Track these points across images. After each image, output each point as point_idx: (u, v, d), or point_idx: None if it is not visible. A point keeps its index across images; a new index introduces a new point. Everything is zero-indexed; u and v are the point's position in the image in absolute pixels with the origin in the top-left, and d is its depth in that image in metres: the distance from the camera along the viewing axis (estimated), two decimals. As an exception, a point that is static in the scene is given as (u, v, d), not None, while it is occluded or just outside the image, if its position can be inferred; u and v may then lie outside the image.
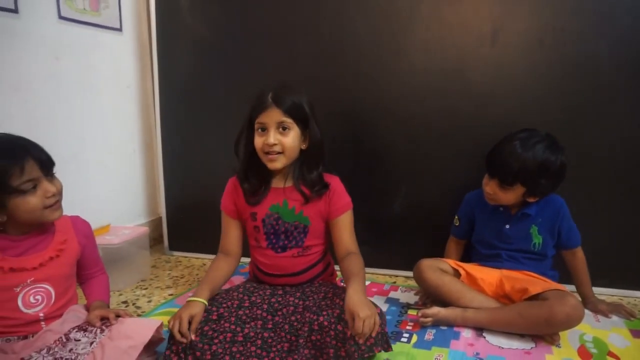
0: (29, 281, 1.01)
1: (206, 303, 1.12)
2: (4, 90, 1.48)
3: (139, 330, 0.99)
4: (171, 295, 1.60)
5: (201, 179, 1.96)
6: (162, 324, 1.07)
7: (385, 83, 1.69)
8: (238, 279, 1.63)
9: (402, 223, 1.73)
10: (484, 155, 1.42)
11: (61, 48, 1.67)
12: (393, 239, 1.74)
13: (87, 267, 1.17)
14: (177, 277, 1.78)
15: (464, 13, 1.58)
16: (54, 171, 1.04)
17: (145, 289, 1.66)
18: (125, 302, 1.54)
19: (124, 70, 1.98)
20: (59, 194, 1.02)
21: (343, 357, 1.05)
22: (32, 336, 1.01)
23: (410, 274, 1.70)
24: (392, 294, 1.57)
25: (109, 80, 1.90)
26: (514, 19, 1.54)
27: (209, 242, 1.98)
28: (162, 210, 2.04)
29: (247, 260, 1.61)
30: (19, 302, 1.00)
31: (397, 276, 1.75)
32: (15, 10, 1.49)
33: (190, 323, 1.06)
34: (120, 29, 1.92)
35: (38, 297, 1.03)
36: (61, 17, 1.64)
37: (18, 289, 1.00)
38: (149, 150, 2.13)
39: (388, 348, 1.11)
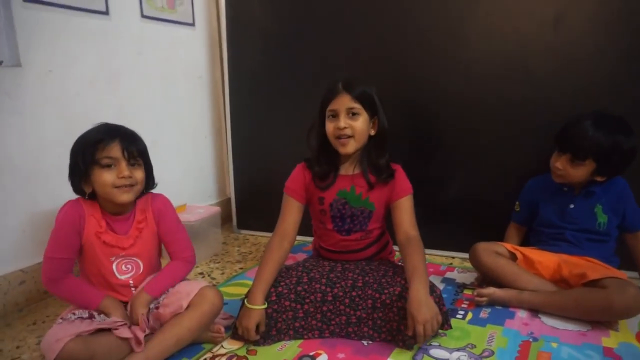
0: (121, 254, 1.18)
1: (264, 306, 1.17)
2: (99, 83, 1.67)
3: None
4: (241, 268, 1.75)
5: (267, 163, 2.09)
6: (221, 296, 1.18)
7: (445, 69, 1.72)
8: (302, 257, 1.76)
9: (459, 207, 1.77)
10: (544, 141, 1.45)
11: (143, 44, 1.84)
12: (450, 222, 1.78)
13: (168, 244, 1.24)
14: (245, 253, 1.94)
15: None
16: (140, 162, 1.17)
17: (218, 262, 1.83)
18: (201, 273, 1.72)
19: (196, 62, 2.14)
20: (131, 179, 1.13)
21: (404, 332, 1.13)
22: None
23: (466, 256, 1.75)
24: (449, 274, 1.63)
25: (183, 71, 2.07)
26: (577, 3, 1.51)
27: (274, 222, 2.12)
28: (231, 192, 2.20)
29: (309, 239, 1.72)
30: (114, 269, 1.18)
31: (453, 257, 1.80)
32: (106, 12, 1.66)
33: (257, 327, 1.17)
34: (193, 24, 2.07)
35: (129, 266, 1.19)
36: (143, 16, 1.81)
37: (113, 259, 1.17)
38: (219, 136, 2.29)
39: (448, 327, 1.19)
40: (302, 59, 1.93)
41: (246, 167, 2.16)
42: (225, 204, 2.28)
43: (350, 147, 1.27)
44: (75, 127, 1.17)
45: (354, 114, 1.25)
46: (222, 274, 1.72)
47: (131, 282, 1.20)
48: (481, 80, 1.67)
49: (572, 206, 1.42)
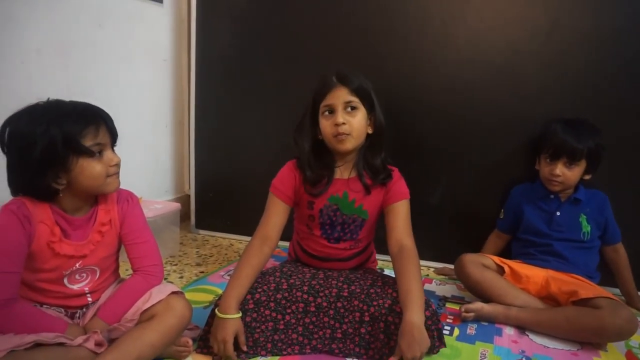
0: (77, 265, 0.99)
1: (239, 315, 1.04)
2: (48, 54, 1.45)
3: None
4: (202, 272, 1.58)
5: (234, 158, 1.93)
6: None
7: (430, 72, 1.65)
8: (271, 263, 1.61)
9: (437, 215, 1.69)
10: (529, 152, 1.46)
11: (104, 15, 1.64)
12: (428, 230, 1.69)
13: (130, 249, 1.06)
14: (205, 255, 1.76)
15: (519, 5, 1.54)
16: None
17: (175, 264, 1.65)
18: (156, 276, 1.52)
19: (161, 43, 1.95)
20: (119, 165, 1.00)
21: (392, 348, 1.03)
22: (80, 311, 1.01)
23: (442, 266, 1.69)
24: (427, 286, 1.54)
25: (146, 52, 1.87)
26: (570, 15, 1.49)
27: (236, 223, 1.97)
28: (191, 188, 2.02)
29: (280, 244, 1.57)
30: (65, 281, 0.99)
31: (429, 267, 1.72)
32: (62, -27, 1.45)
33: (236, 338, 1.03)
34: (160, 1, 1.88)
35: (83, 274, 1.01)
36: (106, -16, 1.61)
37: (66, 272, 0.98)
38: (181, 126, 2.10)
39: (442, 345, 1.10)
40: (279, 45, 1.79)
41: (209, 162, 1.98)
42: (183, 200, 2.08)
43: (349, 143, 1.14)
44: (14, 102, 0.93)
45: (352, 107, 1.13)
46: (181, 277, 1.54)
47: (86, 289, 1.02)
48: (468, 86, 1.61)
49: (558, 213, 1.41)
